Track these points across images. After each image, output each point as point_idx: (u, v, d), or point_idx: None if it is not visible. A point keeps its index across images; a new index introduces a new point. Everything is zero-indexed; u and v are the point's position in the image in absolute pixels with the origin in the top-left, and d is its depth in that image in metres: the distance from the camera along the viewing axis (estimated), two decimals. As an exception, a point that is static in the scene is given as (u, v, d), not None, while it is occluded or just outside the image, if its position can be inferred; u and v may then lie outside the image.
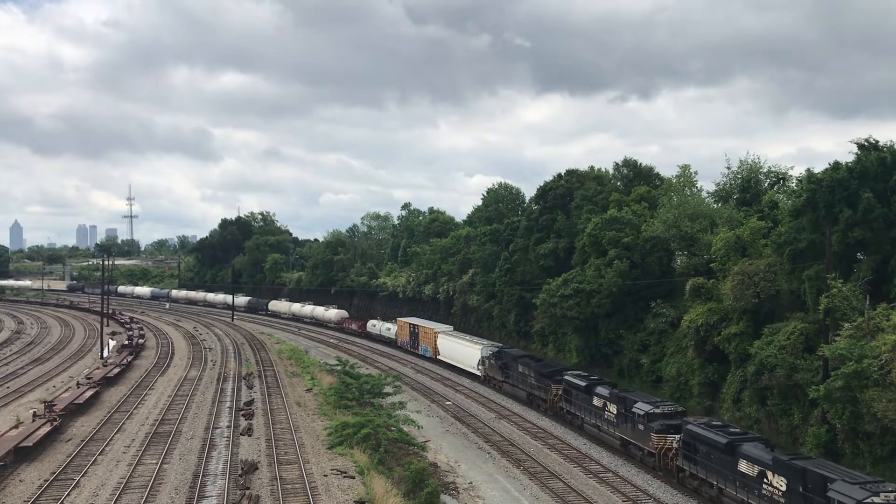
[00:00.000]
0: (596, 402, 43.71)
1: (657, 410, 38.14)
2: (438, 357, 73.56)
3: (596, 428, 44.08)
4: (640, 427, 38.54)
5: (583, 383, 46.15)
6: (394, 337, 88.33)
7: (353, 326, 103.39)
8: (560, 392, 49.01)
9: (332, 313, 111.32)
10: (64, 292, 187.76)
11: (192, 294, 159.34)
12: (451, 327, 78.69)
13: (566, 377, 48.69)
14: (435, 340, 74.41)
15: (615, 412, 41.54)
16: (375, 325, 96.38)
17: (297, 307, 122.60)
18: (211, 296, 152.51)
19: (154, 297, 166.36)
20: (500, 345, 64.76)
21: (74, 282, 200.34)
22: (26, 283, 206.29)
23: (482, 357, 63.10)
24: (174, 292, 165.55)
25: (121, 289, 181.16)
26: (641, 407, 38.83)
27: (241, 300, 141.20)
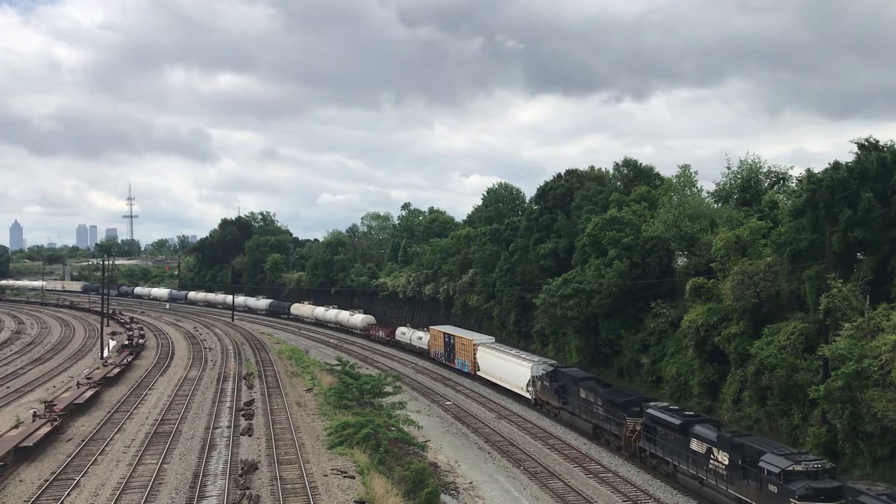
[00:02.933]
0: (696, 446, 34.37)
1: (798, 468, 28.79)
2: (478, 373, 65.10)
3: (697, 481, 34.46)
4: (772, 489, 29.15)
5: (676, 420, 36.34)
6: (426, 347, 79.59)
7: (381, 334, 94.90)
8: (639, 428, 39.92)
9: (358, 319, 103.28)
10: (78, 293, 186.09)
11: (211, 296, 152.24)
12: (492, 339, 69.16)
13: (649, 411, 38.97)
14: (474, 354, 65.79)
15: (727, 463, 32.07)
16: (406, 334, 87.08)
17: (320, 311, 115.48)
18: (230, 298, 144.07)
19: (172, 299, 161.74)
20: (555, 362, 55.42)
21: (88, 283, 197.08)
22: (39, 283, 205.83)
23: (533, 377, 53.92)
24: (192, 294, 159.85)
25: (137, 290, 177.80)
26: (774, 461, 29.32)
27: (262, 303, 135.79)
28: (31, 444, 37.26)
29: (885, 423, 30.40)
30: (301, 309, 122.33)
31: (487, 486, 37.38)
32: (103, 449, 38.65)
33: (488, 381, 62.86)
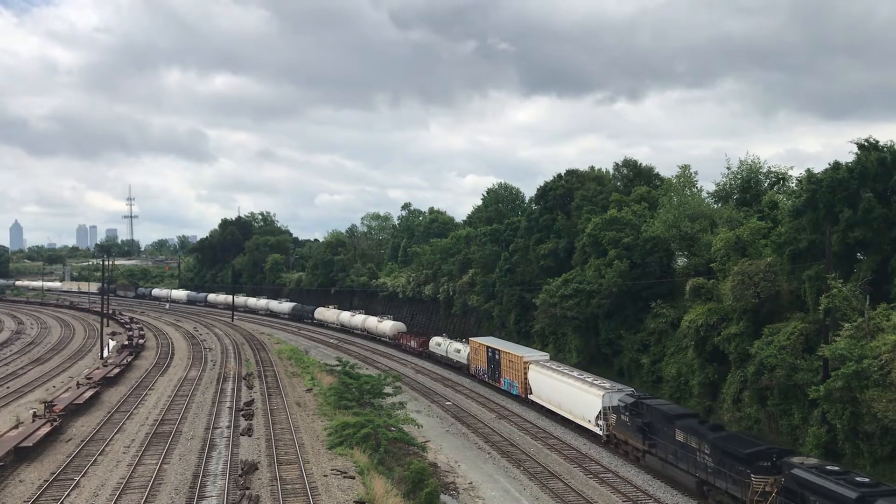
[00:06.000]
0: None
1: None
2: (530, 397, 55.06)
3: None
4: None
5: (849, 492, 24.47)
6: (465, 362, 69.62)
7: (412, 344, 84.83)
8: (774, 489, 29.03)
9: (388, 326, 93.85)
10: (95, 294, 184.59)
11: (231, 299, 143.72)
12: (546, 355, 58.19)
13: (796, 471, 27.26)
14: (525, 373, 55.78)
15: None
16: (441, 345, 76.68)
17: (345, 316, 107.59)
18: (252, 301, 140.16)
19: (190, 301, 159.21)
20: (632, 390, 44.75)
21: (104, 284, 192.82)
22: (56, 284, 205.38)
23: (604, 408, 44.02)
24: (212, 296, 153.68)
25: (155, 291, 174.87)
26: None
27: (285, 306, 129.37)
28: (31, 444, 37.27)
29: (885, 423, 30.38)
30: (325, 314, 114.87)
31: (487, 487, 37.35)
32: (103, 449, 38.65)
33: (543, 407, 52.95)
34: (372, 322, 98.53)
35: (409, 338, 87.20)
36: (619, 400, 42.76)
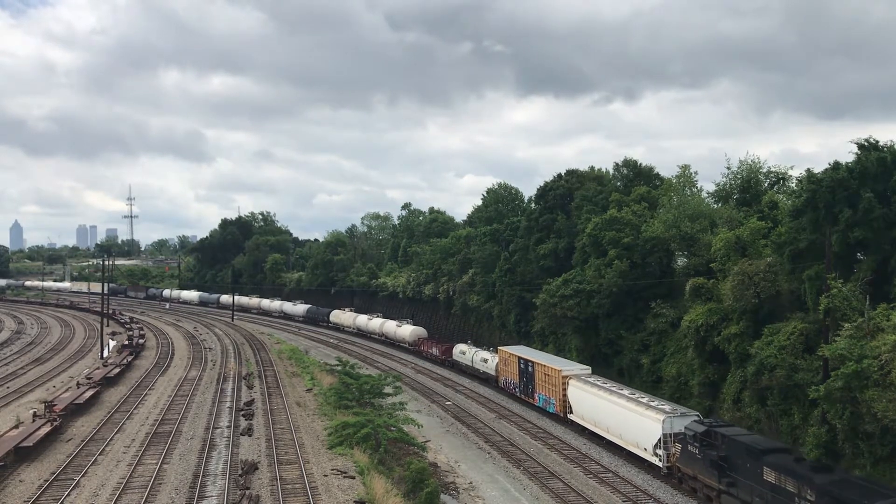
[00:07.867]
0: None
1: None
2: (570, 416, 49.03)
3: None
4: None
5: None
6: (493, 373, 63.42)
7: (434, 351, 78.60)
8: None
9: (407, 331, 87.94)
10: (98, 294, 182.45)
11: (245, 300, 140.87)
12: (587, 369, 51.46)
13: None
14: (563, 390, 49.73)
15: None
16: (466, 353, 70.30)
17: (362, 320, 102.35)
18: (266, 302, 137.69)
19: (202, 303, 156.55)
20: (697, 414, 39.43)
21: (114, 285, 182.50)
22: (65, 285, 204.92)
23: (665, 435, 38.00)
24: (224, 297, 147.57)
25: (166, 292, 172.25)
26: None
27: (300, 308, 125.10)
28: (31, 444, 37.29)
29: (885, 423, 30.37)
30: (341, 317, 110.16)
31: (487, 486, 37.38)
32: (103, 449, 38.67)
33: (586, 428, 47.02)
34: (390, 326, 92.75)
35: (431, 344, 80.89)
36: (685, 427, 36.47)
